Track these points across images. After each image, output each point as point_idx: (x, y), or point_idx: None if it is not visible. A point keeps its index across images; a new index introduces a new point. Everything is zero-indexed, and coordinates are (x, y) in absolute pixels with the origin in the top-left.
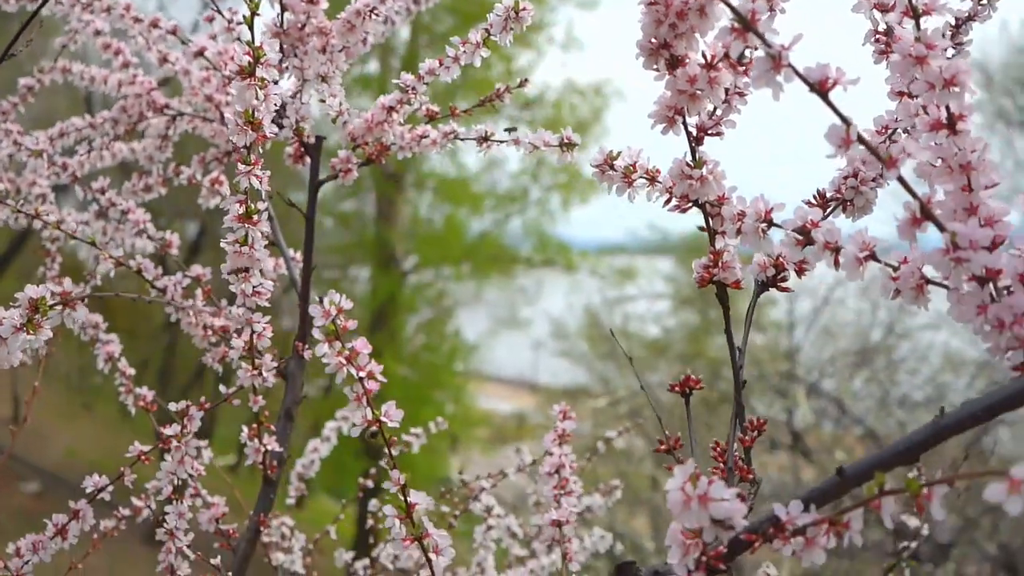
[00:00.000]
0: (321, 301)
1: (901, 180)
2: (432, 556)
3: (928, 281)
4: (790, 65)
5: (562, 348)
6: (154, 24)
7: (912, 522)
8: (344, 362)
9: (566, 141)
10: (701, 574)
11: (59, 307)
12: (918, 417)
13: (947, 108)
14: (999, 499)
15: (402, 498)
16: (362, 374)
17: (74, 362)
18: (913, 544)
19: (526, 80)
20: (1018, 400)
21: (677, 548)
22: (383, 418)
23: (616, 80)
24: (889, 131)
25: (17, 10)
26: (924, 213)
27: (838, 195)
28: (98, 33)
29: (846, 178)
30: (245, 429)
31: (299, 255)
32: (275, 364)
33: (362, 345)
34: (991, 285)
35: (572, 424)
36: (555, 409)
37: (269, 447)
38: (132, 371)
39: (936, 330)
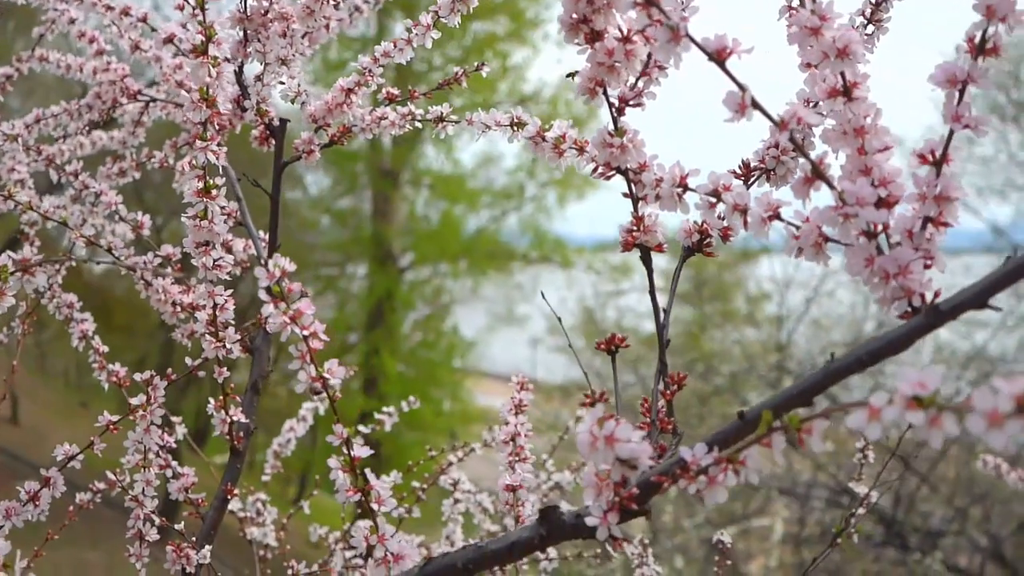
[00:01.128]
0: (266, 265)
1: (792, 141)
2: (375, 506)
3: (827, 239)
4: (688, 36)
5: (558, 344)
6: (125, 12)
7: (860, 489)
8: (288, 321)
9: (516, 121)
10: (615, 515)
11: (18, 273)
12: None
13: (842, 76)
14: (860, 426)
15: (346, 451)
16: (306, 332)
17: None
18: (861, 510)
19: (483, 64)
20: (899, 346)
21: (591, 490)
22: (326, 375)
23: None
24: (811, 103)
25: None
26: (816, 173)
27: (761, 164)
28: (72, 22)
29: (768, 148)
30: (212, 401)
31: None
32: (238, 336)
33: (306, 306)
34: (878, 240)
35: (529, 395)
36: (513, 380)
37: (235, 418)
38: (105, 348)
39: None
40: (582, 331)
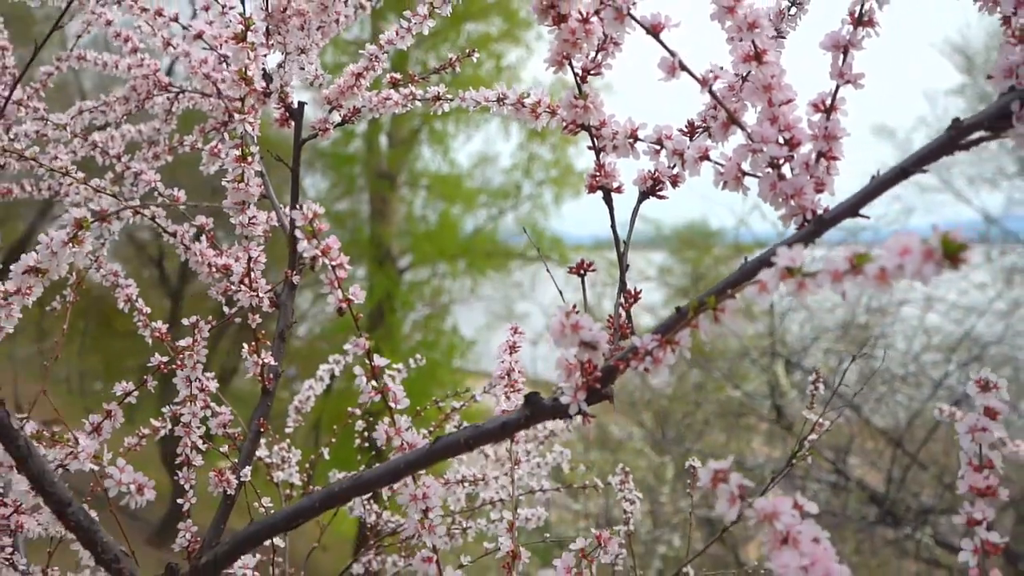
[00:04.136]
0: (300, 207)
1: (711, 94)
2: (392, 405)
3: (744, 172)
4: (630, 15)
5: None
6: (159, 13)
7: (810, 416)
8: (320, 254)
9: (500, 96)
10: (583, 393)
11: (97, 223)
12: (899, 389)
13: (753, 44)
14: (754, 297)
15: (368, 361)
16: (335, 263)
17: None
18: (812, 437)
19: (474, 50)
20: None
21: (563, 372)
22: (351, 296)
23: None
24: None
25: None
26: (730, 118)
27: (704, 123)
28: (109, 23)
29: (708, 110)
30: (245, 346)
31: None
32: (269, 287)
33: (333, 242)
34: (781, 170)
35: (523, 337)
36: (507, 327)
37: (266, 361)
38: (148, 309)
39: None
40: None
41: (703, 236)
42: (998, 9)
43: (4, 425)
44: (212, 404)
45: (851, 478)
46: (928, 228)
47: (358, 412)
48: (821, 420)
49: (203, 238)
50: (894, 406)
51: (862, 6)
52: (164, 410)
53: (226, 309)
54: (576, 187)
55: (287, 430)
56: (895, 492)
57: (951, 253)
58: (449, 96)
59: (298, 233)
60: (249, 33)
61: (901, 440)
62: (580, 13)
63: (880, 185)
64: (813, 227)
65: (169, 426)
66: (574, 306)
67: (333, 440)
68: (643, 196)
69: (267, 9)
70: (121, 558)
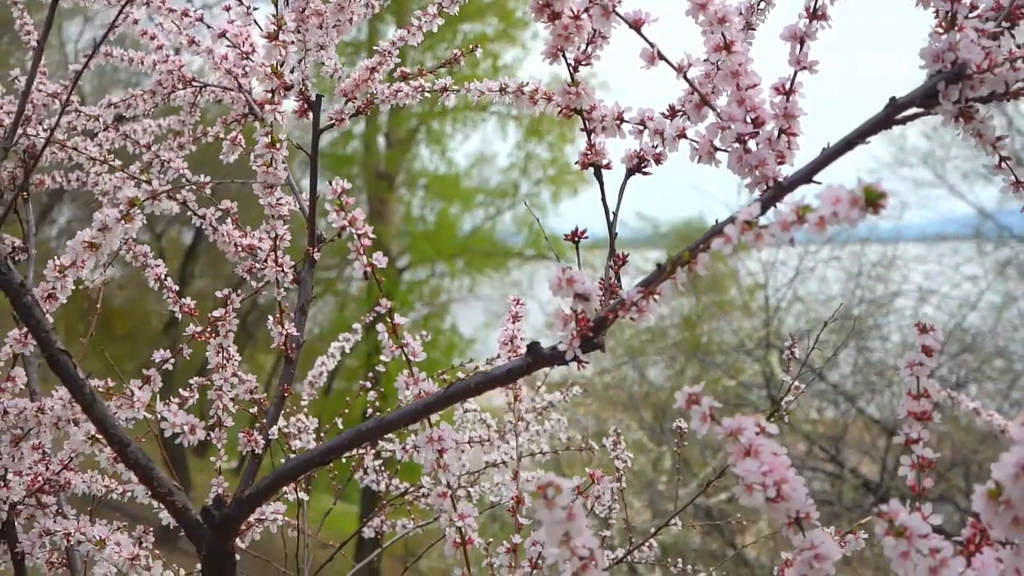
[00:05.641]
0: (330, 182)
1: (686, 79)
2: (411, 357)
3: (715, 148)
4: (615, 11)
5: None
6: (185, 13)
7: (785, 378)
8: (347, 224)
9: (502, 86)
10: (578, 341)
11: (149, 200)
12: (893, 380)
13: (723, 35)
14: (720, 248)
15: (390, 320)
16: (360, 232)
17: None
18: (789, 399)
19: (476, 46)
20: (766, 206)
21: (559, 322)
22: (374, 262)
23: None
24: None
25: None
26: (703, 101)
27: (682, 107)
28: (136, 22)
29: (686, 94)
30: (271, 318)
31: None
32: (293, 263)
33: (359, 214)
34: (747, 145)
35: (525, 308)
36: (510, 297)
37: (289, 332)
38: (176, 287)
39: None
40: None
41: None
42: (932, 4)
43: (72, 375)
44: (239, 373)
45: (846, 467)
46: (924, 223)
47: (368, 385)
48: (797, 383)
49: (228, 220)
50: (889, 397)
51: (816, 2)
52: (192, 381)
53: (254, 282)
54: (573, 185)
55: (303, 403)
56: (890, 480)
57: (872, 200)
58: (455, 88)
59: (327, 206)
60: (281, 32)
61: (895, 430)
62: (572, 10)
63: (830, 155)
64: (773, 192)
65: (197, 396)
66: (569, 265)
67: (346, 411)
68: (630, 172)
69: (289, 8)
70: (174, 491)
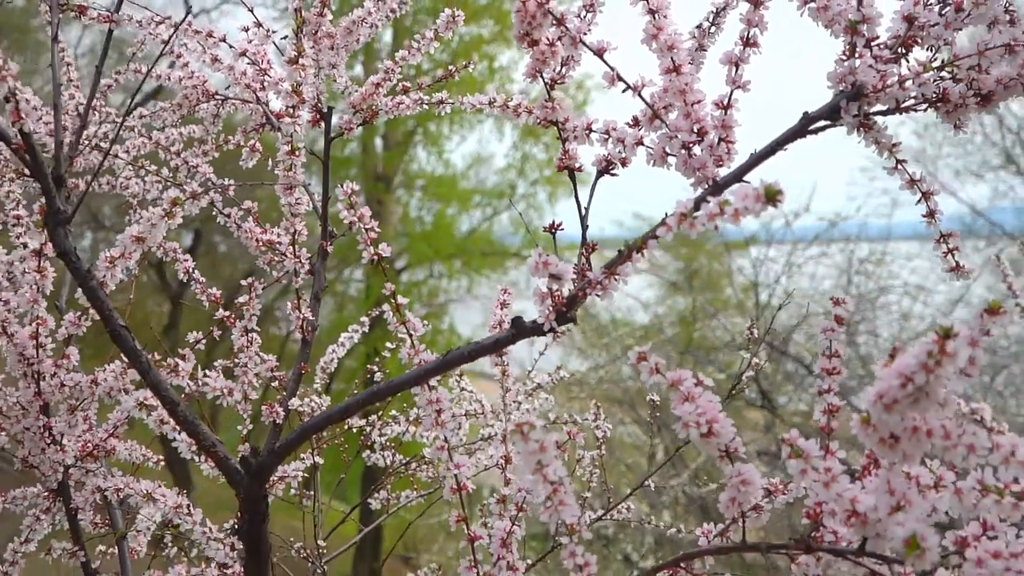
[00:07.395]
0: (340, 185)
1: (640, 97)
2: (412, 332)
3: (667, 153)
4: (582, 41)
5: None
6: (209, 34)
7: (744, 355)
8: (356, 220)
9: (491, 100)
10: (553, 315)
11: (189, 200)
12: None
13: (672, 60)
14: (664, 236)
15: (394, 300)
16: (367, 226)
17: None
18: (749, 374)
19: (470, 62)
20: (708, 193)
21: (538, 299)
22: (380, 252)
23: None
24: None
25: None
26: (654, 115)
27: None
28: (165, 42)
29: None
30: (289, 304)
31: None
32: (309, 255)
33: (366, 211)
34: (692, 150)
35: (511, 297)
36: (499, 287)
37: (306, 316)
38: (204, 279)
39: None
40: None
41: None
42: (837, 30)
43: (131, 346)
44: (260, 353)
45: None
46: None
47: (376, 368)
48: (757, 360)
49: (251, 218)
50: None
51: (748, 32)
52: (216, 363)
53: (273, 273)
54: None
55: (315, 386)
56: None
57: (770, 196)
58: (451, 100)
59: (339, 204)
60: (301, 57)
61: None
62: (547, 39)
63: (756, 160)
64: (711, 189)
65: (221, 376)
66: (545, 251)
67: (355, 392)
68: (600, 174)
69: (302, 32)
70: (217, 444)
